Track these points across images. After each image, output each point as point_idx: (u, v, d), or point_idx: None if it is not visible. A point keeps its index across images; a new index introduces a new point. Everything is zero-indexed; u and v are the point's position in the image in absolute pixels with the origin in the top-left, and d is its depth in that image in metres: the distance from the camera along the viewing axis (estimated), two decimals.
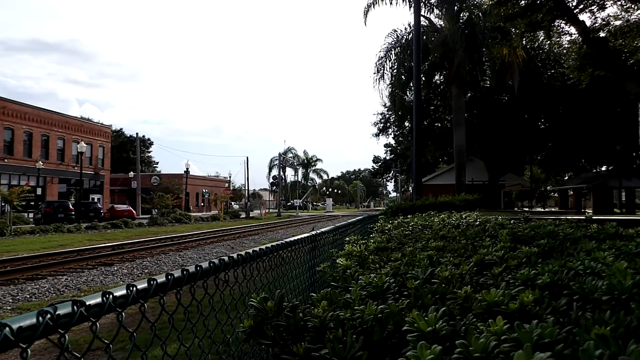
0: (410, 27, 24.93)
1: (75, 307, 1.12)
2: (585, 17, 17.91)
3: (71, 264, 13.72)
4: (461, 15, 25.71)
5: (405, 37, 25.98)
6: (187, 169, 55.17)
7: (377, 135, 45.32)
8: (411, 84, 25.58)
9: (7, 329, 0.96)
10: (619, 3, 17.46)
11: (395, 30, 26.59)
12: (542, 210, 57.75)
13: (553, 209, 57.21)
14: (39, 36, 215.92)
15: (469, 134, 27.40)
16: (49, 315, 1.04)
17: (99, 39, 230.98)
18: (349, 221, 6.07)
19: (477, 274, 2.13)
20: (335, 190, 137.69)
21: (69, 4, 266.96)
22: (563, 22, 18.49)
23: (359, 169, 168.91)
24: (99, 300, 1.21)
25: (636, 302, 1.26)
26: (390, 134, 46.44)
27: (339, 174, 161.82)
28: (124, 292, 1.31)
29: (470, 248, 2.83)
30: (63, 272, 12.59)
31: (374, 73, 26.70)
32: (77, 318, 1.11)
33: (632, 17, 17.55)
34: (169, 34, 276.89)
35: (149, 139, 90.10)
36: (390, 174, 78.96)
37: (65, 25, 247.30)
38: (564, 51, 24.61)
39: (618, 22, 17.93)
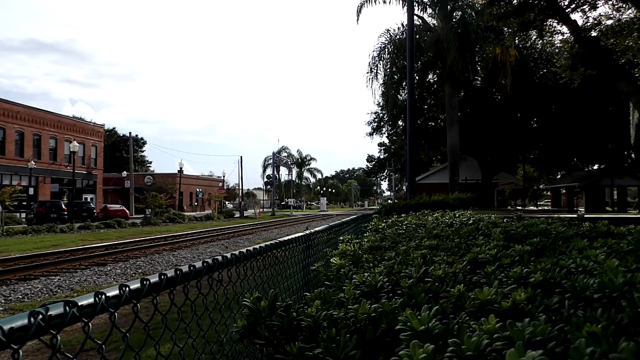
0: (404, 27, 24.97)
1: (67, 307, 1.11)
2: (577, 17, 18.06)
3: (64, 264, 13.64)
4: (454, 14, 25.76)
5: (398, 36, 26.00)
6: (181, 168, 54.96)
7: (371, 134, 45.26)
8: (404, 83, 25.66)
9: None
10: (610, 2, 17.58)
11: (388, 30, 26.64)
12: (535, 208, 58.05)
13: (546, 208, 57.52)
14: (36, 36, 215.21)
15: (462, 133, 27.48)
16: (40, 316, 1.04)
17: (96, 38, 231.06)
18: (343, 220, 6.08)
19: (470, 272, 2.14)
20: (330, 190, 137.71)
21: (66, 4, 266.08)
22: (555, 21, 18.58)
23: (353, 168, 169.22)
24: (91, 300, 1.20)
25: (627, 300, 1.27)
26: (384, 133, 46.41)
27: (333, 173, 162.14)
28: (116, 292, 1.31)
29: (463, 247, 2.84)
30: (56, 273, 12.52)
31: (367, 73, 26.74)
32: (69, 319, 1.11)
33: (624, 16, 17.67)
34: (165, 34, 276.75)
35: (142, 138, 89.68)
36: (384, 173, 78.99)
37: (63, 25, 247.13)
38: (556, 50, 24.73)
39: (609, 22, 18.05)
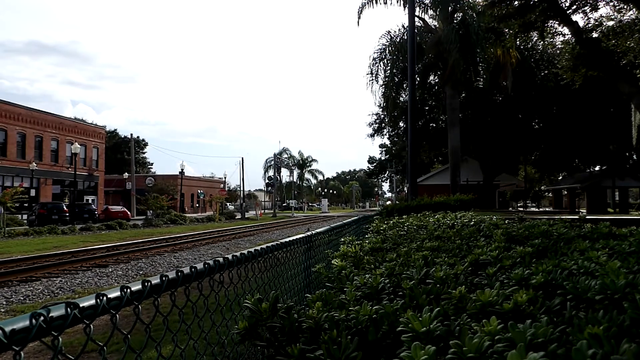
0: (405, 28, 24.97)
1: (68, 309, 1.11)
2: (578, 18, 17.99)
3: (65, 266, 13.65)
4: (455, 15, 25.74)
5: (399, 38, 25.99)
6: (182, 169, 54.97)
7: (372, 135, 45.18)
8: (405, 85, 25.65)
9: (0, 331, 0.95)
10: (612, 4, 17.56)
11: (389, 32, 26.61)
12: (537, 210, 57.96)
13: (547, 209, 57.43)
14: (38, 38, 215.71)
15: (463, 134, 27.43)
16: (42, 318, 1.04)
17: (98, 40, 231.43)
18: (344, 222, 6.07)
19: (471, 274, 2.14)
20: (331, 191, 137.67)
21: (68, 7, 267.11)
22: (556, 22, 18.55)
23: (354, 170, 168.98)
24: (92, 302, 1.20)
25: (629, 302, 1.27)
26: (385, 135, 46.33)
27: (335, 175, 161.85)
28: (118, 294, 1.31)
29: (464, 248, 2.84)
30: (57, 274, 12.53)
31: (368, 74, 26.69)
32: (70, 320, 1.11)
33: (625, 17, 17.64)
34: (166, 36, 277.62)
35: (143, 140, 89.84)
36: (386, 175, 79.02)
37: (65, 27, 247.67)
38: (558, 51, 24.70)
39: (611, 23, 18.01)
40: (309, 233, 3.76)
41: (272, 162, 70.49)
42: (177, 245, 19.86)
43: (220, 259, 1.93)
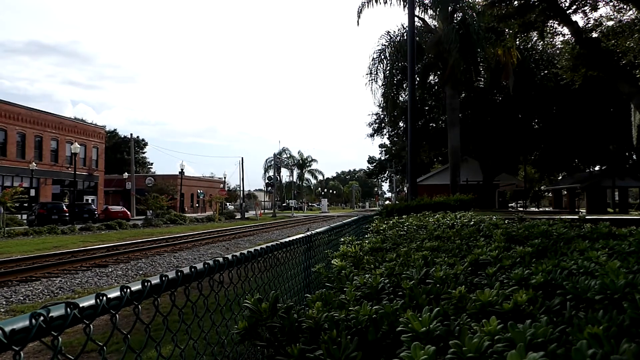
0: (404, 28, 24.98)
1: (68, 309, 1.11)
2: (577, 18, 17.98)
3: (65, 266, 13.65)
4: (455, 15, 25.73)
5: (398, 38, 25.99)
6: (182, 169, 54.95)
7: (371, 135, 45.17)
8: (405, 85, 25.65)
9: (0, 331, 0.95)
10: (612, 4, 17.55)
11: (388, 32, 26.61)
12: (536, 210, 57.94)
13: (547, 209, 57.42)
14: (38, 38, 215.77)
15: (463, 134, 27.41)
16: (42, 318, 1.04)
17: (98, 40, 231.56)
18: (344, 222, 6.07)
19: (471, 274, 2.14)
20: (331, 191, 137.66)
21: (68, 7, 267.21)
22: (556, 22, 18.54)
23: (354, 170, 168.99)
24: (92, 302, 1.20)
25: (629, 302, 1.27)
26: (385, 135, 46.30)
27: (334, 175, 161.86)
28: (118, 294, 1.31)
29: (464, 248, 2.84)
30: (57, 274, 12.53)
31: (368, 74, 26.68)
32: (70, 320, 1.11)
33: (624, 17, 17.64)
34: (166, 36, 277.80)
35: (143, 140, 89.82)
36: (386, 174, 79.08)
37: (65, 27, 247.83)
38: (557, 51, 24.69)
39: (610, 23, 18.01)
40: (308, 233, 3.76)
41: (272, 162, 70.51)
42: (177, 245, 19.86)
43: (220, 259, 1.93)
